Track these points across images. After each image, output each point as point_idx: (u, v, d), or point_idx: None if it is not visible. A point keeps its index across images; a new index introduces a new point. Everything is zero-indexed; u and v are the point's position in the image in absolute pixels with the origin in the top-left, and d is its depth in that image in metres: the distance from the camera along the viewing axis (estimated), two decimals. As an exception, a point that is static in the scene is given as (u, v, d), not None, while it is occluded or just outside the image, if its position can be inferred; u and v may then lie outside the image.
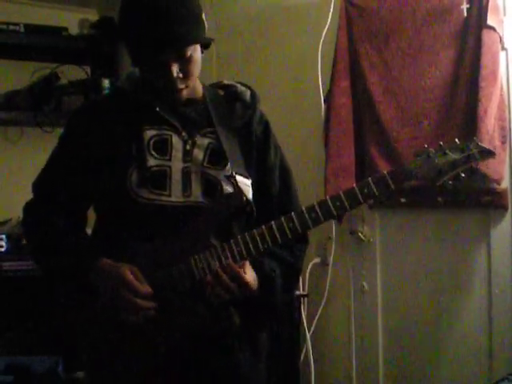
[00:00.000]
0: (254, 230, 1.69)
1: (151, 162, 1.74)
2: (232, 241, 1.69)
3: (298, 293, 3.10)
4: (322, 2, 3.14)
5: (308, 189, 3.14)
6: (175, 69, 1.71)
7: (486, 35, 2.56)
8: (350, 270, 3.18)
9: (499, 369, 2.58)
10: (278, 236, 1.68)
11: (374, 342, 3.08)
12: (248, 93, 1.90)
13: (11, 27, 3.57)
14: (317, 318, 3.20)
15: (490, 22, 2.54)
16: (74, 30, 3.90)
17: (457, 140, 1.64)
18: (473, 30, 2.62)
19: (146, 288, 1.67)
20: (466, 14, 2.64)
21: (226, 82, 1.95)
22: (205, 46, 1.80)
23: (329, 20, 3.06)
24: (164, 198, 1.73)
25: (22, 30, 3.59)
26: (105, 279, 1.69)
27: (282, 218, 1.68)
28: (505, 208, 2.62)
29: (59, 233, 1.80)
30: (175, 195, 1.74)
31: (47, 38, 3.68)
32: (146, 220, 1.73)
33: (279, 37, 3.43)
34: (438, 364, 2.86)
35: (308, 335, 3.16)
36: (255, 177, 1.82)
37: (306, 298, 3.16)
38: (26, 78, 3.68)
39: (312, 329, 3.19)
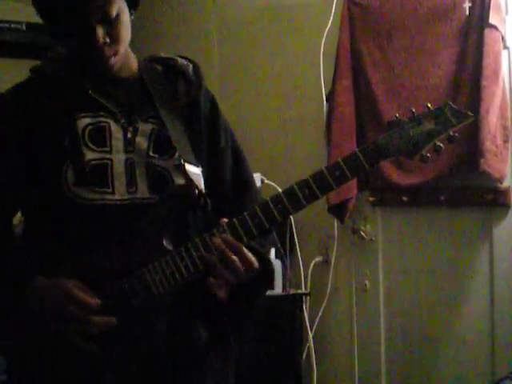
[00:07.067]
0: (214, 230, 1.46)
1: (89, 155, 1.51)
2: (190, 244, 1.46)
3: (299, 291, 3.11)
4: (324, 1, 3.14)
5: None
6: (100, 33, 1.48)
7: (488, 34, 2.56)
8: (352, 268, 3.18)
9: (501, 367, 2.58)
10: (242, 234, 1.45)
11: (376, 340, 3.08)
12: (190, 67, 1.66)
13: (13, 25, 3.58)
14: (319, 316, 3.20)
15: (492, 20, 2.55)
16: (75, 28, 3.90)
17: (429, 105, 1.50)
18: (475, 28, 2.63)
19: (95, 301, 1.44)
20: (468, 13, 2.65)
21: (163, 54, 1.71)
22: (133, 6, 1.57)
23: (331, 18, 3.06)
24: (107, 197, 1.50)
25: (24, 28, 3.60)
26: (43, 299, 1.44)
27: (246, 214, 1.45)
28: (507, 206, 2.62)
29: None
30: (119, 192, 1.51)
31: (49, 37, 3.67)
32: (87, 223, 1.49)
33: (281, 35, 3.43)
34: (440, 362, 2.86)
35: (310, 334, 3.16)
36: (206, 163, 1.61)
37: (307, 297, 3.16)
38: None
39: (314, 327, 3.19)
